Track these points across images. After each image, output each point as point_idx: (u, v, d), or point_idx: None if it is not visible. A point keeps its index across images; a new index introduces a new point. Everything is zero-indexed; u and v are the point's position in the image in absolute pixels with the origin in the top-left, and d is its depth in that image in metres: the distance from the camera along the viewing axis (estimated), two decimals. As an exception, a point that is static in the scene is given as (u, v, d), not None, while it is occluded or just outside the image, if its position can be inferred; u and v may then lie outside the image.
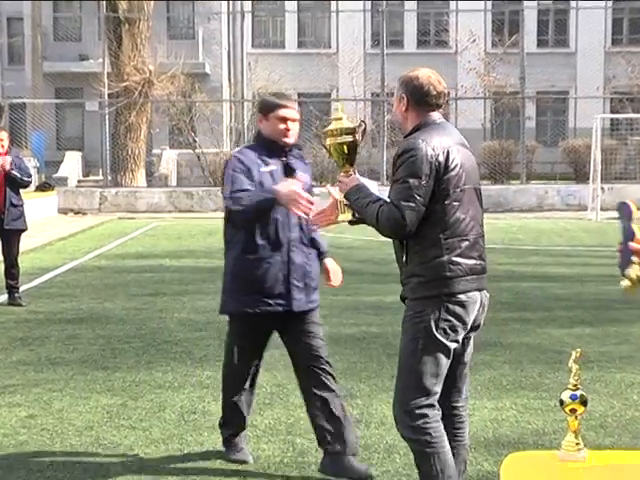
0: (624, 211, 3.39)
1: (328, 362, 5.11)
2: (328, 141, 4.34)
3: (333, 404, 5.04)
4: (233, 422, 5.37)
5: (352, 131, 4.32)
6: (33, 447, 5.63)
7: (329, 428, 5.02)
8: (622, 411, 6.36)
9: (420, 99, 4.19)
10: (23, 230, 10.71)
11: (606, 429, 5.95)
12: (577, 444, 3.30)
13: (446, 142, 4.09)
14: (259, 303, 4.97)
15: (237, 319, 5.17)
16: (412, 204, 3.96)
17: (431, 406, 4.16)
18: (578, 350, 3.39)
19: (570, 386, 3.31)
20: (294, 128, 5.02)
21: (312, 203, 4.54)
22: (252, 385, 5.36)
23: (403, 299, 4.22)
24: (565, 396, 3.29)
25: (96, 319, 9.66)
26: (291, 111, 4.99)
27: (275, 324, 5.10)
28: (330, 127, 4.35)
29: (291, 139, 5.02)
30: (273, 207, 4.75)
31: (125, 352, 8.15)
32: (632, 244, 3.40)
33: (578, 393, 3.29)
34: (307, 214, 4.56)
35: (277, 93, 5.16)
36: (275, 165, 4.96)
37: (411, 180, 3.98)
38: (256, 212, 4.78)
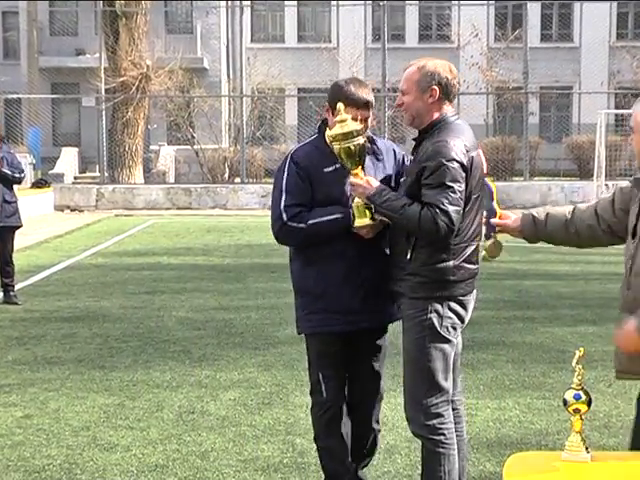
0: (485, 191, 3.93)
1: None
2: (336, 146, 4.16)
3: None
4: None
5: (359, 132, 4.18)
6: (29, 447, 5.58)
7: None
8: (626, 411, 6.29)
9: (449, 91, 4.14)
10: (18, 227, 10.63)
11: (610, 429, 5.90)
12: (581, 444, 3.26)
13: (469, 145, 4.08)
14: (335, 321, 4.35)
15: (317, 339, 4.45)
16: (458, 208, 3.97)
17: (446, 403, 4.16)
18: (582, 349, 3.34)
19: (574, 386, 3.28)
20: (365, 128, 4.33)
21: (360, 185, 4.12)
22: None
23: (394, 292, 4.19)
24: (569, 396, 3.27)
25: (93, 318, 9.60)
26: (362, 112, 4.31)
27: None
28: (337, 131, 4.17)
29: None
30: (346, 229, 4.21)
31: (122, 351, 8.08)
32: (494, 220, 4.07)
33: (582, 393, 3.26)
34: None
35: (353, 80, 4.42)
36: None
37: (455, 185, 3.96)
38: (325, 235, 4.24)
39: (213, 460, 5.35)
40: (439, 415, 4.13)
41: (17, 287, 10.82)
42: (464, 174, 4.00)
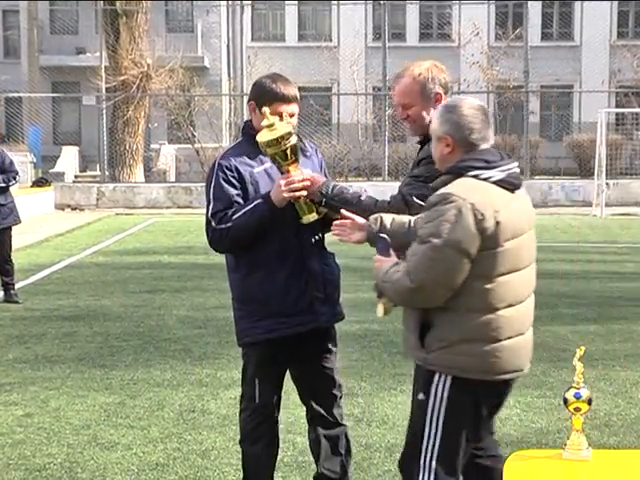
0: (381, 244, 3.69)
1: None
2: (270, 151, 4.09)
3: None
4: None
5: (290, 133, 4.11)
6: (30, 446, 5.58)
7: (329, 467, 4.51)
8: (627, 410, 6.30)
9: (448, 89, 4.12)
10: (15, 224, 10.59)
11: (610, 428, 5.90)
12: (581, 443, 3.26)
13: None
14: (282, 325, 4.28)
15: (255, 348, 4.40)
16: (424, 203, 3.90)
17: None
18: (582, 348, 3.35)
19: (574, 384, 3.28)
20: (292, 122, 4.28)
21: (310, 180, 4.11)
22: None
23: None
24: (569, 395, 3.28)
25: (93, 316, 9.59)
26: (291, 106, 4.27)
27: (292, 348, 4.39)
28: (267, 137, 4.08)
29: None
30: (270, 213, 4.13)
31: (123, 350, 8.08)
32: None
33: (582, 392, 3.27)
34: (300, 197, 4.10)
35: (275, 76, 4.35)
36: (270, 162, 4.21)
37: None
38: (245, 228, 4.16)
39: (214, 459, 5.35)
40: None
41: (17, 286, 10.81)
42: None
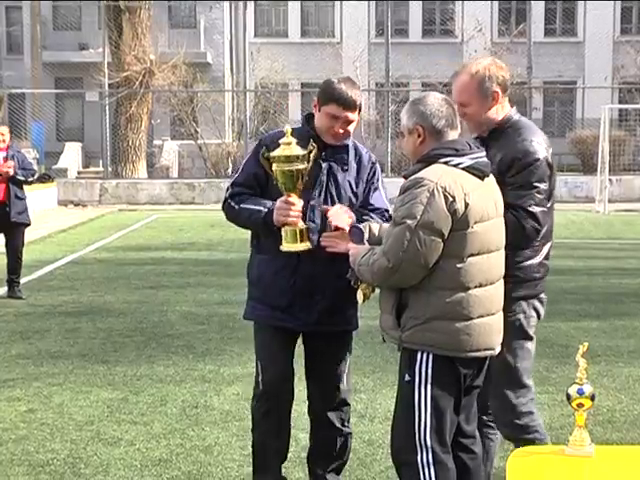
0: (356, 236, 3.97)
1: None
2: (275, 167, 4.11)
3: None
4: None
5: (302, 158, 4.10)
6: (33, 442, 5.59)
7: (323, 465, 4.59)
8: (630, 406, 6.30)
9: (506, 88, 4.20)
10: (27, 225, 10.68)
11: (614, 424, 5.90)
12: (584, 439, 3.26)
13: (547, 141, 4.22)
14: (266, 312, 4.39)
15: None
16: (544, 208, 4.05)
17: (532, 401, 4.19)
18: (585, 344, 3.35)
19: (577, 380, 3.28)
20: (346, 130, 4.25)
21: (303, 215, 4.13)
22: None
23: None
24: (572, 391, 3.28)
25: (97, 312, 9.60)
26: (346, 112, 4.19)
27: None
28: (278, 152, 4.11)
29: (338, 141, 4.30)
30: (266, 227, 4.21)
31: (126, 346, 8.09)
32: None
33: (585, 388, 3.27)
34: (296, 224, 4.12)
35: (345, 79, 4.30)
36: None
37: (541, 185, 4.03)
38: (244, 223, 4.36)
39: (217, 454, 5.36)
40: (530, 413, 4.14)
41: (21, 282, 10.81)
42: (549, 172, 4.07)
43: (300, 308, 4.31)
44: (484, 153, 3.79)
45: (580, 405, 3.28)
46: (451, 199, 3.58)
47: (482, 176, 3.73)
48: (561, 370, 7.15)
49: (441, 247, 3.60)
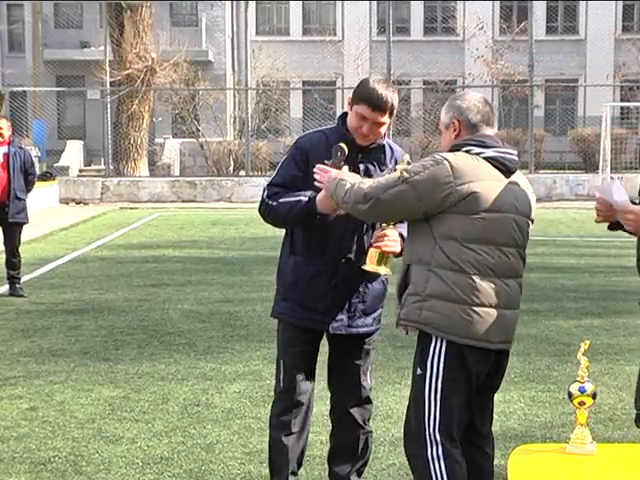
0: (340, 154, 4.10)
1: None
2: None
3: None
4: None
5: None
6: (35, 439, 5.59)
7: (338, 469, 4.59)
8: (631, 404, 6.26)
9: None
10: (25, 223, 10.69)
11: (615, 422, 5.90)
12: (585, 437, 3.26)
13: None
14: (298, 314, 4.37)
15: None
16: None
17: None
18: (587, 342, 3.34)
19: (579, 378, 3.28)
20: (374, 132, 4.19)
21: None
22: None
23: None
24: (574, 389, 3.28)
25: (98, 310, 9.60)
26: (375, 114, 4.12)
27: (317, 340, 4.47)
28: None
29: (366, 142, 4.24)
30: (310, 217, 4.16)
31: (127, 344, 8.09)
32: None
33: (587, 386, 3.27)
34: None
35: (382, 80, 4.27)
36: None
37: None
38: (284, 217, 4.24)
39: (218, 452, 5.36)
40: None
41: (22, 279, 10.83)
42: None
43: (338, 311, 4.30)
44: (515, 152, 3.85)
45: (581, 403, 3.28)
46: (452, 177, 3.65)
47: (505, 170, 3.78)
48: (562, 368, 7.15)
49: (416, 210, 3.71)
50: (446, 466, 3.70)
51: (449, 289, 3.70)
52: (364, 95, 4.15)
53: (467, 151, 3.75)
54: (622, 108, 32.45)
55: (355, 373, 4.47)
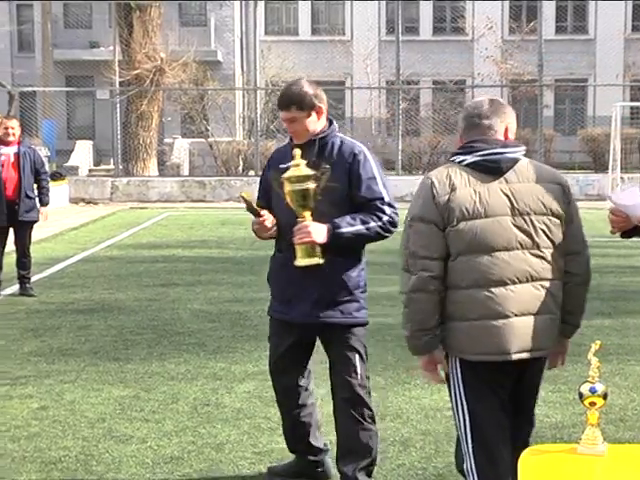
0: None
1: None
2: (286, 188, 4.32)
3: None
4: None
5: (311, 178, 4.31)
6: (45, 439, 5.60)
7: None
8: (642, 404, 6.27)
9: None
10: (35, 222, 10.71)
11: (626, 423, 5.88)
12: (596, 438, 3.25)
13: None
14: (273, 306, 4.78)
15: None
16: None
17: None
18: (597, 342, 3.33)
19: (589, 379, 3.26)
20: (295, 129, 4.49)
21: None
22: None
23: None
24: (584, 389, 3.26)
25: (108, 310, 9.62)
26: (284, 113, 4.47)
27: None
28: (289, 174, 4.32)
29: (299, 140, 4.51)
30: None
31: (137, 343, 8.10)
32: None
33: (598, 386, 3.25)
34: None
35: (292, 82, 4.63)
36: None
37: None
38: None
39: (228, 452, 5.36)
40: None
41: (32, 279, 10.85)
42: None
43: (301, 301, 4.50)
44: (514, 149, 3.73)
45: (592, 404, 3.27)
46: (435, 193, 3.63)
47: (492, 172, 3.66)
48: (573, 368, 7.10)
49: (442, 235, 3.62)
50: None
51: (452, 308, 3.66)
52: (278, 102, 4.54)
53: (453, 161, 3.73)
54: (632, 108, 32.35)
55: (339, 368, 4.58)
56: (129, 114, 27.15)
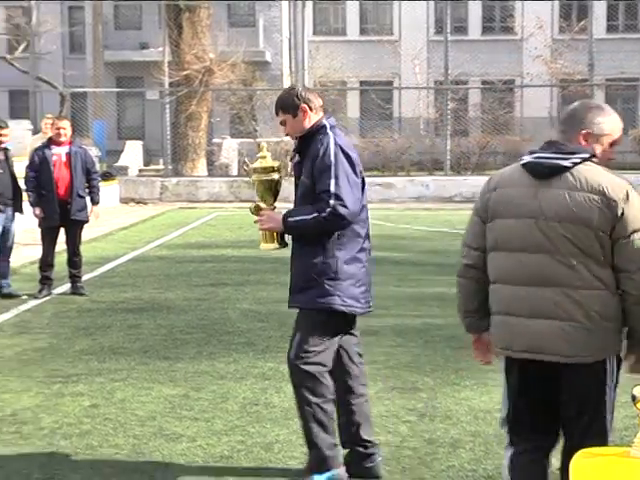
0: None
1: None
2: (254, 177, 4.86)
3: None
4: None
5: (275, 169, 4.93)
6: (97, 436, 5.66)
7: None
8: (696, 408, 6.17)
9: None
10: (86, 222, 10.82)
11: (679, 426, 5.78)
12: (649, 441, 3.21)
13: None
14: None
15: None
16: None
17: None
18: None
19: (643, 381, 3.23)
20: (287, 129, 4.99)
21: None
22: None
23: None
24: (638, 392, 3.23)
25: (157, 309, 9.69)
26: (278, 118, 4.98)
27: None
28: (257, 165, 4.87)
29: (292, 137, 5.05)
30: None
31: (187, 342, 8.15)
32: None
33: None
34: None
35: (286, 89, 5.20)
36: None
37: None
38: None
39: (277, 452, 5.37)
40: None
41: (84, 278, 10.96)
42: None
43: (290, 287, 5.00)
44: (559, 155, 3.68)
45: (645, 406, 3.24)
46: (487, 189, 3.85)
47: (536, 175, 3.69)
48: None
49: (483, 229, 3.82)
50: (511, 461, 3.94)
51: (490, 299, 3.86)
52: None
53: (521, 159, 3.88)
54: (684, 107, 31.91)
55: (343, 358, 4.98)
56: (178, 114, 27.32)
